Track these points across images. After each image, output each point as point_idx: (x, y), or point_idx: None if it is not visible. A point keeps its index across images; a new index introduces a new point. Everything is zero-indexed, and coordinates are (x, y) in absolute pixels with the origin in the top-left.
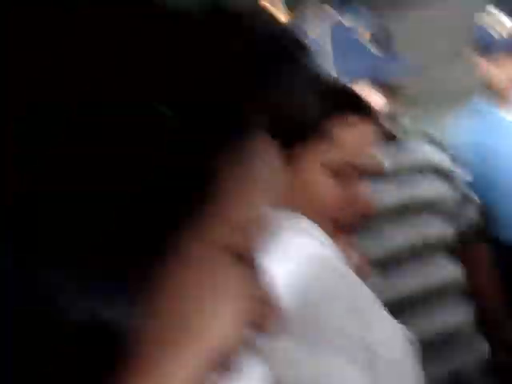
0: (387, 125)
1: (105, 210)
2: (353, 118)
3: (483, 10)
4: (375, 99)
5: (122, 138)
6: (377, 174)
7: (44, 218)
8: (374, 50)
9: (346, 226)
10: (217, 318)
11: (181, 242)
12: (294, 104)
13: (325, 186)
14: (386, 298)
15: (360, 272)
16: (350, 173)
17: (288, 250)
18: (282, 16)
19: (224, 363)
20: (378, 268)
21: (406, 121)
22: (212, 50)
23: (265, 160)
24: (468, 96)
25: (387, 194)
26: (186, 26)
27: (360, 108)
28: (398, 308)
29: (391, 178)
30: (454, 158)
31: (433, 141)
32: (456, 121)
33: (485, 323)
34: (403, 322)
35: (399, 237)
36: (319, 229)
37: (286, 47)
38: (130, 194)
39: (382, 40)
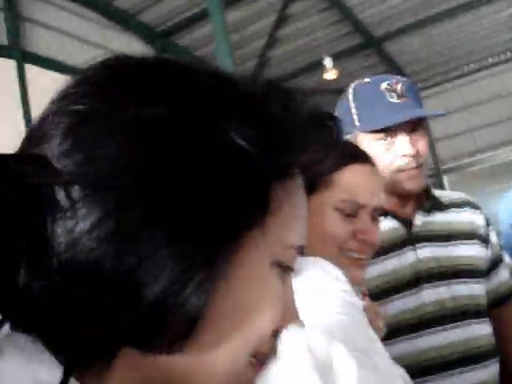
0: (423, 182)
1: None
2: (352, 166)
3: None
4: (401, 145)
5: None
6: (379, 209)
7: None
8: (392, 98)
9: (358, 257)
10: (259, 315)
11: (243, 249)
12: (314, 160)
13: (332, 222)
14: (416, 358)
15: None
16: (353, 209)
17: (307, 281)
18: (331, 74)
19: (258, 355)
20: (410, 328)
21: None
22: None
23: (303, 198)
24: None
25: (425, 257)
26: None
27: (359, 157)
28: (430, 367)
29: (429, 239)
30: (490, 222)
31: (470, 204)
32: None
33: None
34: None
35: (432, 298)
36: (334, 266)
37: (319, 119)
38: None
39: (401, 89)
